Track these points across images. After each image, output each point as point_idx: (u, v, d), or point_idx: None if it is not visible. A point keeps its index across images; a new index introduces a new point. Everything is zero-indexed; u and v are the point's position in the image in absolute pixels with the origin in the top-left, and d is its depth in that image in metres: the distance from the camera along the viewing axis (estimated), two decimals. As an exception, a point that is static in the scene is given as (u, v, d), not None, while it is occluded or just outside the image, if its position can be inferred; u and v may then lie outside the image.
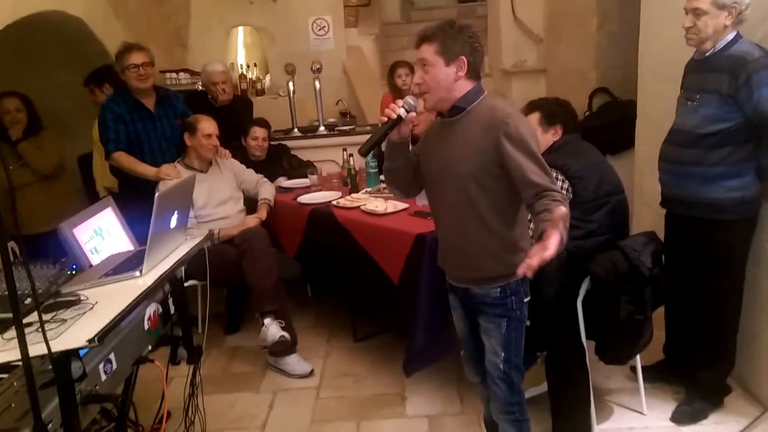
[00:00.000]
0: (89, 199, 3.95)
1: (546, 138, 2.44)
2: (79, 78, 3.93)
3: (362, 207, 3.09)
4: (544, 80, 5.74)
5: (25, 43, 3.85)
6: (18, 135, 3.51)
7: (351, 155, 3.72)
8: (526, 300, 1.92)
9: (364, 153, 1.87)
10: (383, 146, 1.95)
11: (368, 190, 3.47)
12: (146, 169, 3.31)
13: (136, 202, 2.54)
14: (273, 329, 3.01)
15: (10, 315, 1.16)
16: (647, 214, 3.24)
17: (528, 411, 2.00)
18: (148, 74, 3.37)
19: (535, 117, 2.45)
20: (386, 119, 1.83)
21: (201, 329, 3.46)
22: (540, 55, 5.82)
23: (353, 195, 3.38)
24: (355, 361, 3.23)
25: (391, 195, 3.17)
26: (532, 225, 2.09)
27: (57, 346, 1.28)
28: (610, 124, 4.36)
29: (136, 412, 2.16)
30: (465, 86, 1.81)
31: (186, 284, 3.26)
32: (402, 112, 1.81)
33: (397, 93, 4.06)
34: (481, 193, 1.79)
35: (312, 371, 3.12)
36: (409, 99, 1.83)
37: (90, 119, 3.72)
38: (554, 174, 2.01)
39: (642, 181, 3.43)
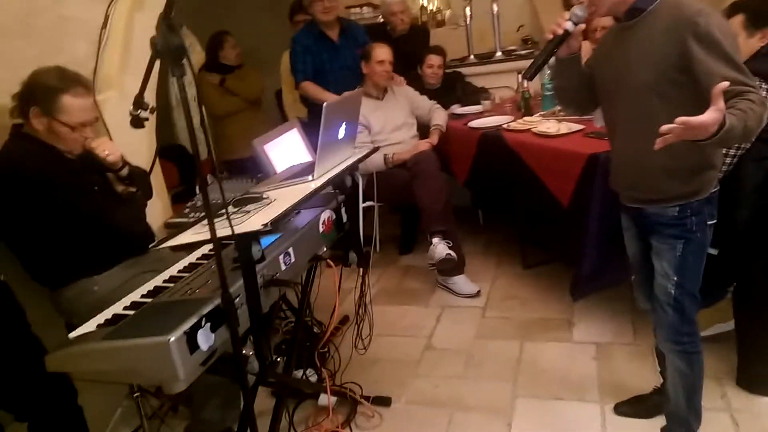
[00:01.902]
0: (285, 128, 4.38)
1: (750, 43, 2.12)
2: (274, 19, 4.29)
3: (533, 129, 2.98)
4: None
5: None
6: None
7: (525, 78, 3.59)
8: (710, 222, 1.73)
9: (529, 77, 1.77)
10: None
11: (543, 113, 3.34)
12: (330, 98, 3.54)
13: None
14: (440, 248, 3.11)
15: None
16: None
17: (701, 344, 1.81)
18: (332, 7, 3.58)
19: (738, 20, 2.14)
20: (551, 36, 1.71)
21: (377, 246, 3.73)
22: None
23: (525, 118, 3.28)
24: (522, 287, 3.23)
25: (566, 116, 3.03)
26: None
27: (240, 230, 1.50)
28: None
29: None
30: None
31: (363, 204, 3.53)
32: (569, 25, 1.67)
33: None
34: (661, 105, 1.61)
35: (479, 292, 3.20)
36: (576, 10, 1.68)
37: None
38: (758, 83, 1.74)
39: None
